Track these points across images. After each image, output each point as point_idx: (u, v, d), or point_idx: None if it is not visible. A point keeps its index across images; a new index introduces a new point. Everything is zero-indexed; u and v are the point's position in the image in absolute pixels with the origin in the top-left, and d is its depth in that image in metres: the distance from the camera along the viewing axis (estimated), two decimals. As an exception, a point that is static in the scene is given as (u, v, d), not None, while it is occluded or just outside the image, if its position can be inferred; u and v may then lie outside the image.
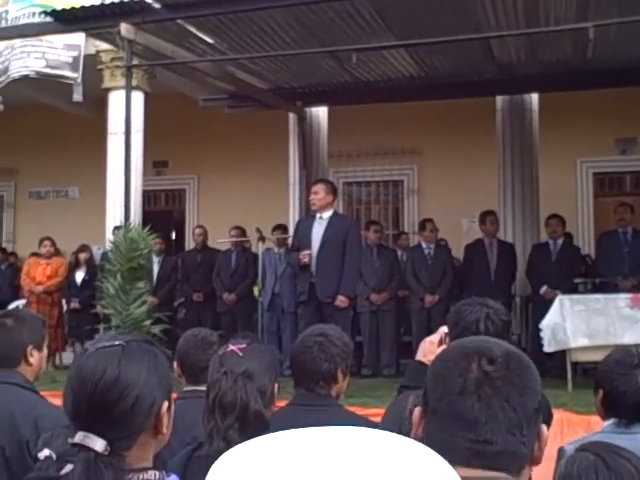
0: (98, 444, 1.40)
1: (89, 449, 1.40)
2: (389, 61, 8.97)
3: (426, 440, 1.09)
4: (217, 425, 2.04)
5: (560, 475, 1.71)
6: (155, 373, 1.51)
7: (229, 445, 1.90)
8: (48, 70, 9.67)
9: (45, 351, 2.82)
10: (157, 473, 1.44)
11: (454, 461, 0.82)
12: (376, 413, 4.55)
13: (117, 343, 1.50)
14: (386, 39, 7.97)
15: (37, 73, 9.72)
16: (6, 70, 9.98)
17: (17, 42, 9.87)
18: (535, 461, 1.17)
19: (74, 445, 1.42)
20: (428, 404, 1.18)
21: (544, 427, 1.18)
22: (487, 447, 1.11)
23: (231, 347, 2.22)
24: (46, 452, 2.17)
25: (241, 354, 2.21)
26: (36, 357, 2.74)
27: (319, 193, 7.05)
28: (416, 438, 0.96)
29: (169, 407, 1.52)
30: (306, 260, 6.81)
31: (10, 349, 2.69)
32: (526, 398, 1.14)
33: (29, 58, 9.76)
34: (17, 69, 9.81)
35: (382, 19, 7.58)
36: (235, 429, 2.04)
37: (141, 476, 1.41)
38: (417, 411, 1.21)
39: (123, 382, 1.45)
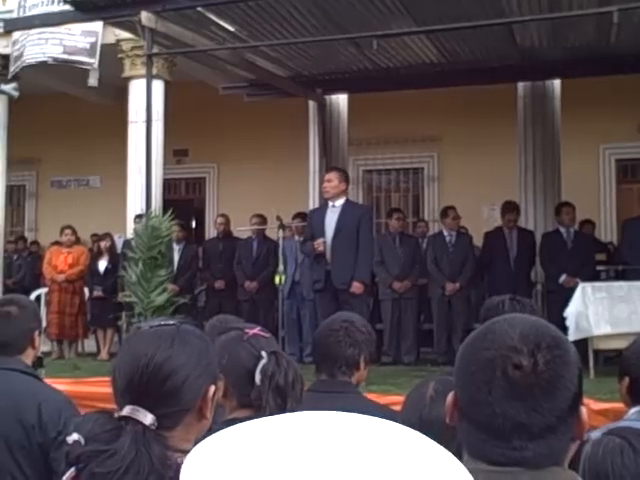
0: (147, 417, 1.43)
1: (137, 422, 1.42)
2: (410, 47, 8.91)
3: (460, 438, 1.08)
4: (270, 406, 2.01)
5: (585, 456, 1.69)
6: (205, 356, 1.54)
7: None
8: (65, 56, 9.72)
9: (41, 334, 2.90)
10: None
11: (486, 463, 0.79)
12: (397, 401, 4.54)
13: (172, 323, 1.55)
14: (407, 25, 7.91)
15: (54, 59, 9.77)
16: (21, 55, 10.03)
17: (35, 30, 9.92)
18: (576, 439, 1.14)
19: (121, 418, 1.44)
20: (459, 400, 1.15)
21: (583, 409, 1.14)
22: (517, 453, 1.08)
23: (253, 331, 2.20)
24: (75, 436, 2.19)
25: (267, 336, 2.20)
26: (37, 341, 2.80)
27: (332, 181, 7.04)
28: (452, 424, 0.95)
29: (214, 393, 1.55)
30: (321, 249, 6.81)
31: (19, 336, 2.73)
32: (557, 400, 1.09)
33: (47, 45, 9.81)
34: (33, 55, 9.85)
35: (403, 4, 7.52)
36: (283, 408, 2.02)
37: (184, 457, 1.42)
38: (450, 398, 1.18)
39: (175, 360, 1.48)
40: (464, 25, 7.31)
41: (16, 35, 10.29)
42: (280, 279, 8.06)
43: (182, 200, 12.85)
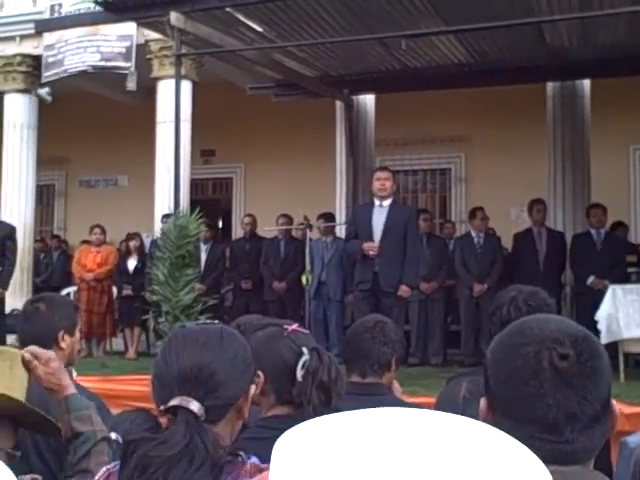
0: (197, 407, 1.45)
1: (188, 411, 1.44)
2: (438, 47, 8.87)
3: None
4: (314, 402, 2.00)
5: (637, 460, 1.67)
6: (247, 356, 1.59)
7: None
8: (103, 63, 9.85)
9: (78, 335, 2.82)
10: (243, 453, 1.46)
11: None
12: (425, 402, 4.53)
13: (213, 322, 1.63)
14: (435, 25, 7.88)
15: (93, 67, 9.91)
16: (61, 64, 10.15)
17: (72, 36, 10.03)
18: (608, 432, 1.15)
19: (167, 410, 1.47)
20: (493, 400, 1.15)
21: (613, 401, 1.15)
22: (569, 446, 1.09)
23: (292, 327, 2.18)
24: (112, 436, 2.20)
25: (307, 332, 2.20)
26: (67, 342, 2.73)
27: (390, 180, 7.02)
28: None
29: (253, 392, 1.60)
30: (373, 252, 6.74)
31: (42, 334, 2.67)
32: (601, 388, 1.11)
33: (85, 53, 9.94)
34: (75, 64, 9.99)
35: (431, 4, 7.49)
36: (327, 404, 2.01)
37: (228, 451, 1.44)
38: (483, 403, 1.17)
39: (223, 357, 1.53)
40: (493, 25, 7.25)
41: (50, 39, 10.40)
42: (307, 279, 8.07)
43: (209, 200, 12.89)
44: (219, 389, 1.50)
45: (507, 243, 9.14)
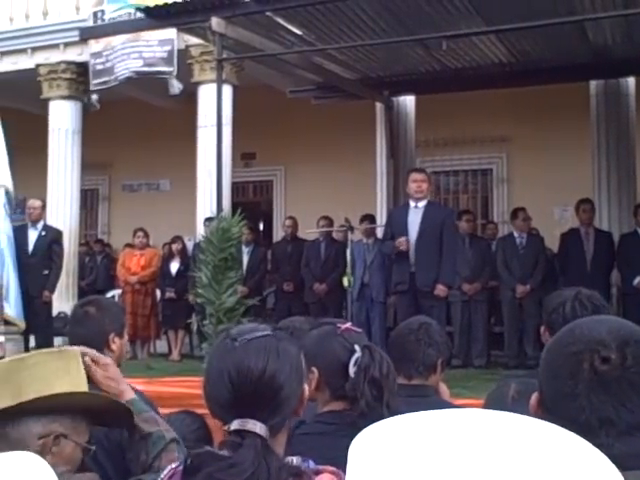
0: (262, 429, 1.44)
1: (254, 435, 1.43)
2: (478, 47, 8.82)
3: None
4: (366, 397, 2.02)
5: None
6: (300, 360, 1.58)
7: (375, 412, 1.94)
8: (146, 68, 9.98)
9: (126, 337, 2.84)
10: (298, 458, 1.47)
11: None
12: (469, 404, 4.50)
13: (267, 333, 1.54)
14: (476, 25, 7.83)
15: (137, 73, 10.05)
16: (111, 72, 10.31)
17: (117, 43, 10.17)
18: None
19: (230, 432, 1.45)
20: (541, 396, 1.15)
21: None
22: (604, 451, 1.06)
23: (345, 326, 2.21)
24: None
25: (359, 330, 2.22)
26: (117, 344, 2.75)
27: (426, 182, 7.04)
28: None
29: (306, 396, 1.59)
30: (404, 247, 6.78)
31: (93, 336, 2.68)
32: None
33: (129, 59, 10.08)
34: (121, 71, 10.15)
35: (472, 4, 7.45)
36: (380, 399, 2.04)
37: (289, 461, 1.45)
38: (534, 398, 1.18)
39: (283, 370, 1.50)
40: (535, 24, 7.19)
41: (96, 47, 10.57)
42: (349, 281, 8.08)
43: (250, 203, 12.96)
44: (284, 405, 1.50)
45: (551, 244, 9.04)
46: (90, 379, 1.99)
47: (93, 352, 2.10)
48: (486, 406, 2.58)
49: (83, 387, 1.89)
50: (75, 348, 1.99)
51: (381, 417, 2.03)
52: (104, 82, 10.52)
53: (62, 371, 1.83)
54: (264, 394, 1.47)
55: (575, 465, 0.68)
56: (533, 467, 0.66)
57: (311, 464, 1.48)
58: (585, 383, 1.07)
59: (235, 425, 1.45)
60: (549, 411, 1.12)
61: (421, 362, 2.73)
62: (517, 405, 1.95)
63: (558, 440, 0.70)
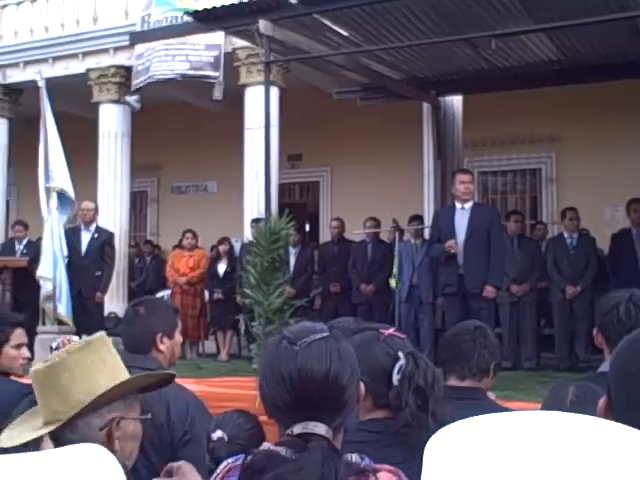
0: (326, 432, 1.44)
1: (320, 437, 1.43)
2: (527, 46, 8.70)
3: None
4: (410, 407, 1.99)
5: None
6: (356, 361, 1.56)
7: (419, 422, 1.91)
8: (192, 72, 10.08)
9: (177, 338, 2.86)
10: (356, 455, 1.47)
11: None
12: (520, 407, 4.45)
13: (326, 335, 1.53)
14: (525, 23, 7.73)
15: (182, 76, 10.16)
16: (147, 70, 10.43)
17: (159, 44, 10.30)
18: None
19: (292, 436, 1.45)
20: (610, 401, 1.12)
21: None
22: None
23: (389, 331, 2.16)
24: (219, 433, 2.27)
25: (403, 336, 2.18)
26: (167, 344, 2.79)
27: (473, 183, 7.04)
28: None
29: (362, 394, 1.61)
30: (454, 250, 6.75)
31: (141, 336, 2.76)
32: None
33: (174, 61, 10.20)
34: (162, 71, 10.25)
35: (521, 3, 7.36)
36: (425, 409, 2.00)
37: (349, 458, 1.45)
38: (602, 402, 1.16)
39: (345, 372, 1.49)
40: (586, 21, 7.06)
41: (140, 49, 10.72)
42: (396, 282, 8.06)
43: (296, 204, 13.01)
44: (346, 406, 1.49)
45: (602, 244, 8.89)
46: None
47: (177, 465, 2.03)
48: (544, 409, 2.54)
49: (121, 371, 1.90)
50: (99, 334, 1.96)
51: (426, 427, 1.98)
52: (141, 81, 10.65)
53: (98, 363, 1.84)
54: (328, 396, 1.47)
55: None
56: (617, 469, 0.65)
57: (368, 461, 1.48)
58: None
59: (299, 429, 1.44)
60: (618, 418, 1.10)
61: (475, 364, 2.71)
62: (576, 409, 1.93)
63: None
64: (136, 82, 10.78)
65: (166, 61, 10.33)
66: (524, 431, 0.68)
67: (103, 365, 1.85)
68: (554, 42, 8.61)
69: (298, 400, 1.47)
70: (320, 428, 1.44)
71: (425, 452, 0.73)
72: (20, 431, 1.80)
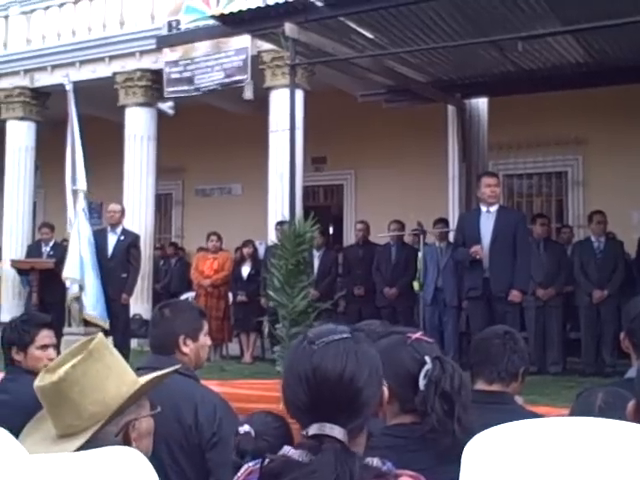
0: (341, 434, 1.42)
1: (334, 439, 1.42)
2: (554, 48, 8.65)
3: None
4: (436, 412, 1.96)
5: None
6: (378, 363, 1.54)
7: (445, 427, 1.89)
8: (227, 80, 10.23)
9: (203, 340, 2.85)
10: (377, 460, 1.45)
11: None
12: (546, 411, 4.40)
13: (346, 336, 1.51)
14: (551, 25, 7.68)
15: (221, 85, 10.33)
16: (191, 82, 10.55)
17: (197, 54, 10.40)
18: None
19: (308, 437, 1.44)
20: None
21: None
22: None
23: (416, 335, 2.13)
24: (246, 427, 2.27)
25: (431, 340, 2.15)
26: (191, 346, 2.78)
27: (499, 186, 7.00)
28: None
29: (385, 397, 1.56)
30: (480, 255, 6.71)
31: (165, 338, 2.78)
32: None
33: (213, 72, 10.34)
34: (206, 84, 10.41)
35: (548, 4, 7.31)
36: (451, 414, 1.97)
37: (370, 462, 1.44)
38: (631, 406, 1.15)
39: (362, 374, 1.47)
40: (613, 23, 6.99)
41: (171, 55, 10.80)
42: (419, 285, 8.03)
43: (320, 207, 13.01)
44: (363, 408, 1.47)
45: (628, 248, 8.80)
46: None
47: None
48: (573, 415, 2.52)
49: (126, 373, 1.90)
50: (97, 336, 1.93)
51: (452, 433, 1.95)
52: (183, 90, 10.75)
53: (104, 370, 1.85)
54: (343, 398, 1.45)
55: None
56: None
57: (390, 465, 1.47)
58: None
59: (313, 430, 1.43)
60: None
61: (504, 367, 2.69)
62: (605, 415, 1.90)
63: None
64: (172, 90, 10.86)
65: (207, 72, 10.47)
66: (560, 438, 0.68)
67: (109, 371, 1.86)
68: (581, 44, 8.55)
69: (313, 400, 1.46)
70: (335, 430, 1.42)
71: (463, 458, 0.73)
72: (32, 443, 1.78)
